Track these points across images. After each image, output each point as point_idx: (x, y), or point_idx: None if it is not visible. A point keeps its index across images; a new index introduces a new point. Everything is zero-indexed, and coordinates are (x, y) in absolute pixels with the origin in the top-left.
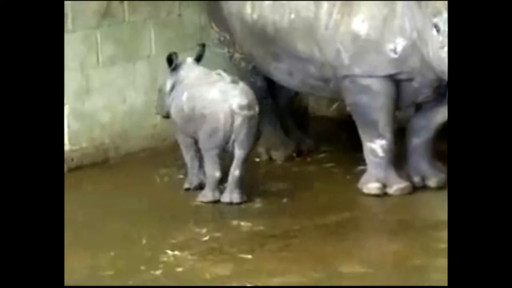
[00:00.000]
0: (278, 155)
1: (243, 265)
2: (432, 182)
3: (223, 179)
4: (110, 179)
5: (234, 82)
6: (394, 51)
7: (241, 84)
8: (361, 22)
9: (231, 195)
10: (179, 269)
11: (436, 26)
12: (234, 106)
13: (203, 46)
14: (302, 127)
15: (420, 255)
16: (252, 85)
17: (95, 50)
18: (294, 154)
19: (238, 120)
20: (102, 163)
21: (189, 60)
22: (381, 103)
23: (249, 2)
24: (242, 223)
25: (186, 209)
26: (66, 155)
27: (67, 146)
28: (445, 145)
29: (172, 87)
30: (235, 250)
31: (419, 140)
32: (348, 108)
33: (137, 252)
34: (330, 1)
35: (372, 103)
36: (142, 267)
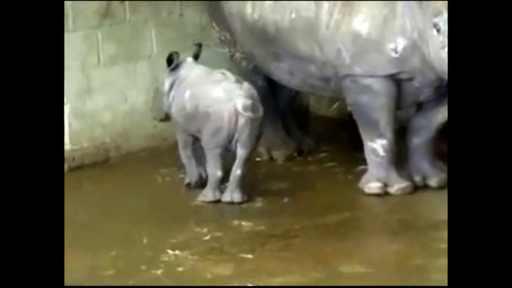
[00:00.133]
0: (279, 155)
1: (244, 265)
2: (433, 182)
3: (224, 179)
4: (111, 179)
5: (238, 82)
6: (395, 50)
7: (246, 84)
8: (361, 22)
9: (232, 194)
10: (180, 269)
11: (436, 26)
12: (239, 106)
13: (199, 45)
14: (303, 126)
15: (421, 255)
16: (253, 85)
17: (96, 50)
18: (295, 154)
19: (242, 120)
20: (103, 163)
21: (189, 59)
22: (382, 102)
23: (249, 2)
24: (243, 223)
25: (186, 209)
26: (67, 155)
27: (68, 146)
28: (446, 144)
29: (171, 87)
30: (236, 250)
31: (420, 139)
32: (349, 108)
33: (138, 252)
34: (331, 1)
35: (373, 102)
36: (143, 267)
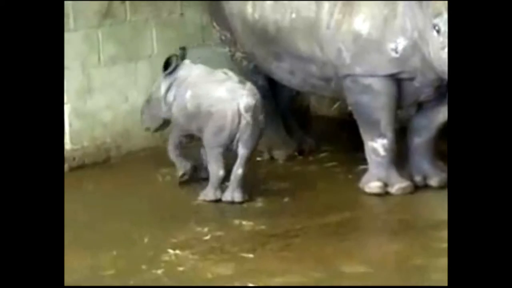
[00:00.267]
0: (279, 155)
1: (245, 265)
2: (433, 182)
3: (224, 178)
4: (111, 179)
5: (241, 82)
6: (395, 50)
7: (249, 84)
8: (362, 22)
9: (233, 194)
10: (181, 269)
11: (436, 27)
12: (242, 106)
13: (183, 49)
14: (303, 126)
15: (421, 255)
16: (253, 85)
17: (97, 50)
18: (296, 154)
19: (244, 120)
20: (103, 163)
21: (186, 61)
22: (383, 102)
23: (250, 1)
24: (244, 223)
25: (187, 209)
26: (67, 155)
27: (68, 145)
28: (446, 144)
29: (168, 90)
30: (237, 250)
31: (420, 139)
32: (349, 108)
33: (138, 252)
34: (331, 1)
35: (374, 102)
36: (143, 267)
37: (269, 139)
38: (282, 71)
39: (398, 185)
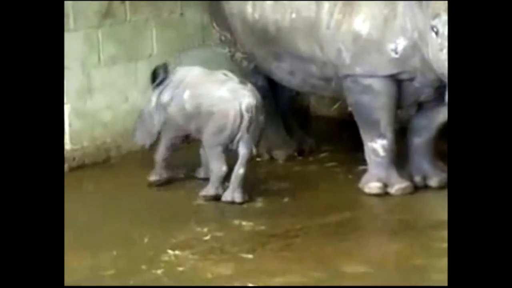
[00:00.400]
0: (279, 155)
1: (244, 265)
2: (433, 182)
3: (225, 178)
4: (111, 179)
5: (242, 82)
6: (395, 51)
7: (250, 85)
8: (362, 22)
9: (233, 194)
10: (180, 269)
11: (434, 29)
12: (244, 106)
13: (165, 65)
14: (303, 126)
15: (421, 255)
16: (253, 85)
17: (97, 50)
18: (296, 154)
19: (246, 120)
20: (103, 163)
21: (180, 68)
22: (383, 102)
23: (250, 1)
24: (244, 223)
25: (187, 209)
26: (67, 155)
27: (68, 146)
28: (446, 144)
29: (160, 94)
30: (237, 250)
31: (420, 139)
32: (349, 108)
33: (138, 252)
34: (332, 1)
35: (374, 102)
36: (143, 267)
37: (269, 139)
38: (282, 71)
39: (398, 185)
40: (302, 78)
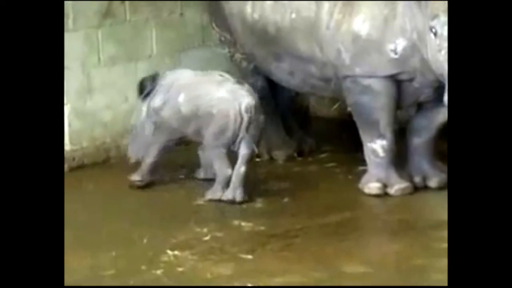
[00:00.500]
0: (279, 155)
1: (244, 265)
2: (433, 182)
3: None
4: (111, 179)
5: (239, 82)
6: (394, 51)
7: (247, 85)
8: (362, 22)
9: (234, 192)
10: (180, 269)
11: (433, 30)
12: (244, 106)
13: (155, 75)
14: (303, 127)
15: (421, 255)
16: (253, 85)
17: (97, 50)
18: (295, 154)
19: (246, 120)
20: (103, 163)
21: (168, 72)
22: (382, 103)
23: (250, 2)
24: (243, 223)
25: (187, 209)
26: (67, 155)
27: (68, 146)
28: (446, 144)
29: (149, 109)
30: (236, 250)
31: (420, 140)
32: (348, 108)
33: (138, 252)
34: (331, 1)
35: (373, 103)
36: (143, 267)
37: (269, 140)
38: (281, 71)
39: (398, 186)
40: (302, 79)
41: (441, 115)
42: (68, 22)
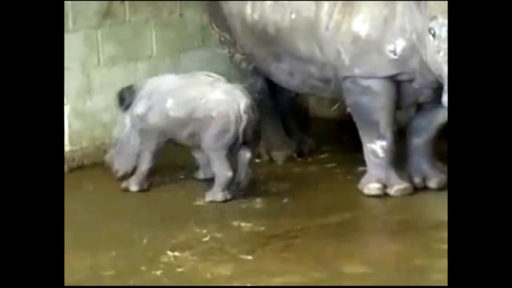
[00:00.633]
0: (279, 156)
1: (244, 266)
2: (433, 183)
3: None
4: (111, 179)
5: (230, 82)
6: (394, 52)
7: (239, 85)
8: (361, 23)
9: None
10: (180, 269)
11: (431, 31)
12: (242, 106)
13: (132, 87)
14: (303, 127)
15: (421, 256)
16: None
17: (96, 50)
18: (295, 155)
19: (245, 120)
20: (103, 163)
21: (148, 79)
22: (382, 103)
23: (249, 2)
24: (243, 224)
25: (186, 209)
26: (67, 155)
27: (68, 146)
28: (446, 145)
29: (132, 119)
30: (236, 251)
31: (420, 140)
32: (348, 109)
33: (138, 252)
34: (331, 1)
35: (373, 103)
36: (143, 267)
37: (268, 140)
38: (281, 72)
39: (397, 186)
40: (302, 79)
41: (441, 116)
42: (68, 22)
